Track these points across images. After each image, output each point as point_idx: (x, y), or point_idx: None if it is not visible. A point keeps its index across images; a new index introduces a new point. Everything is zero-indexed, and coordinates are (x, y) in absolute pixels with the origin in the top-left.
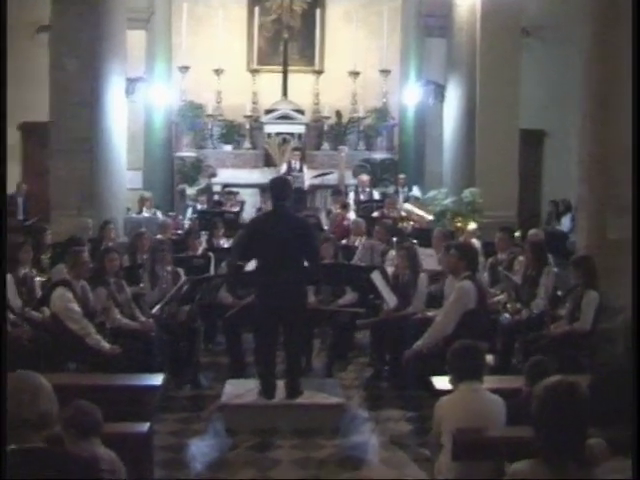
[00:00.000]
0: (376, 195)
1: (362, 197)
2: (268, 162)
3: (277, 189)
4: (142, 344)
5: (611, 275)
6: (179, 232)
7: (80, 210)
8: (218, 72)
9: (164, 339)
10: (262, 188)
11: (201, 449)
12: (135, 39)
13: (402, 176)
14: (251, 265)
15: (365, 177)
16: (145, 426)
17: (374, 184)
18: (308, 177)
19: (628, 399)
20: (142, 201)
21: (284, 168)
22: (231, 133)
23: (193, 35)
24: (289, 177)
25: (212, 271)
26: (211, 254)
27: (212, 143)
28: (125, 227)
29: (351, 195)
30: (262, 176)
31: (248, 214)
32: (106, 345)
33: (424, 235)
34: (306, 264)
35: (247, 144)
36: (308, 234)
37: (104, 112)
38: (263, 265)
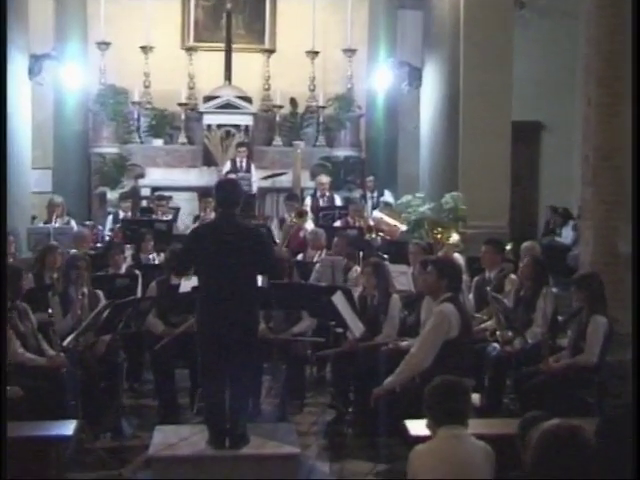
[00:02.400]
0: (338, 201)
1: (322, 203)
2: (208, 160)
3: (225, 194)
4: (50, 384)
5: (621, 297)
6: (98, 245)
7: None
8: (146, 50)
9: (78, 377)
10: (201, 192)
11: None
12: (40, 7)
13: (370, 178)
14: (187, 285)
15: (325, 179)
16: None
17: (336, 187)
18: (256, 179)
19: None
20: (51, 207)
21: (227, 167)
22: (162, 125)
23: (114, 3)
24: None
25: (139, 293)
26: (138, 272)
27: (139, 137)
28: (29, 240)
29: (308, 201)
30: (200, 177)
31: (183, 223)
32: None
33: (396, 249)
34: (259, 284)
35: (182, 138)
36: (263, 248)
37: (0, 96)
38: (205, 285)
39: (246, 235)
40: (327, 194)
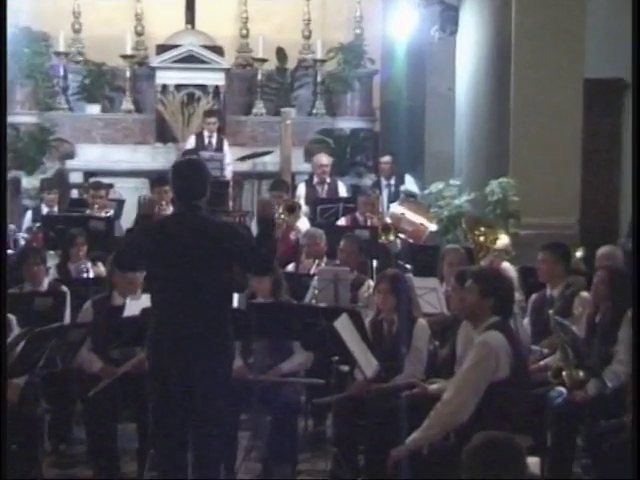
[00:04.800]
0: (343, 190)
1: (321, 193)
2: (163, 135)
3: (185, 180)
4: None
5: None
6: (10, 252)
7: None
8: None
9: None
10: (154, 178)
11: None
12: None
13: (387, 159)
14: (135, 307)
15: (326, 160)
16: None
17: (340, 172)
18: (230, 160)
19: None
20: None
21: (190, 144)
22: (99, 85)
23: None
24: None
25: (67, 318)
26: (65, 289)
27: (66, 101)
28: None
29: (302, 190)
30: (153, 158)
31: (128, 221)
32: None
33: (423, 256)
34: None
35: (127, 104)
36: (242, 245)
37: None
38: (160, 306)
39: (216, 236)
40: (328, 181)
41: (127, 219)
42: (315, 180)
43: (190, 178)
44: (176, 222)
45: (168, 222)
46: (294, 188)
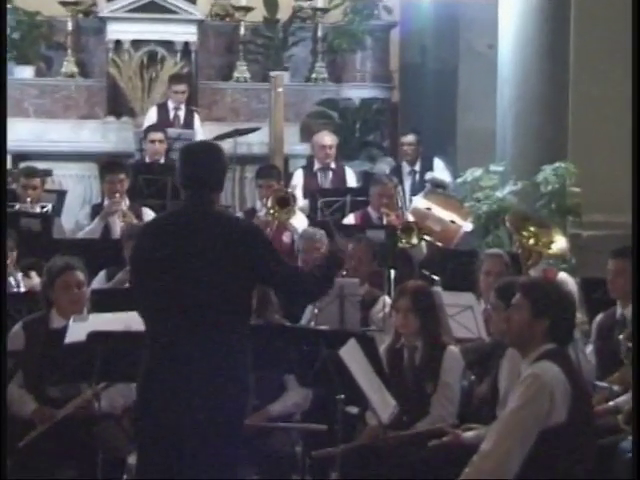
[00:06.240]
0: (352, 179)
1: (322, 182)
2: (116, 106)
3: (201, 166)
4: None
5: None
6: None
7: None
8: None
9: None
10: (104, 162)
11: None
12: None
13: (409, 138)
14: (80, 330)
15: (330, 139)
16: None
17: (347, 155)
18: (204, 139)
19: None
20: None
21: (152, 119)
22: (32, 41)
23: None
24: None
25: None
26: None
27: None
28: None
29: (298, 178)
30: (102, 136)
31: (73, 219)
32: None
33: (456, 265)
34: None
35: (69, 66)
36: (265, 253)
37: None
38: (157, 330)
39: (238, 240)
40: (333, 167)
41: (70, 215)
42: (316, 166)
43: (207, 164)
44: (183, 220)
45: (171, 220)
46: (288, 176)
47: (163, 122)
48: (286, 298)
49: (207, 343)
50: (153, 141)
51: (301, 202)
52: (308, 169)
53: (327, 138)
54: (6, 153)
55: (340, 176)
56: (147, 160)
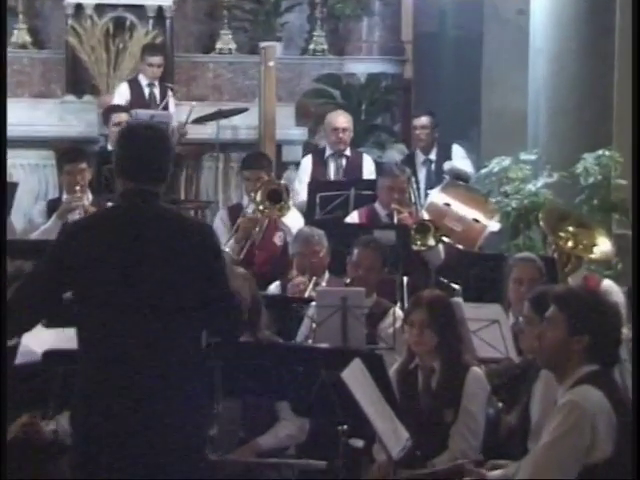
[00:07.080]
0: (370, 168)
1: (337, 172)
2: (77, 83)
3: (139, 152)
4: None
5: None
6: None
7: None
8: None
9: None
10: (63, 150)
11: None
12: None
13: (423, 120)
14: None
15: (344, 120)
16: None
17: (353, 140)
18: (181, 122)
19: None
20: None
21: (124, 96)
22: None
23: None
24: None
25: None
26: None
27: None
28: None
29: (307, 166)
30: (60, 118)
31: (26, 216)
32: None
33: (480, 271)
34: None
35: (20, 35)
36: (210, 259)
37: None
38: (92, 349)
39: (186, 238)
40: (348, 154)
41: (22, 212)
42: (327, 152)
43: (147, 150)
44: (122, 217)
45: (107, 217)
46: (281, 165)
47: (134, 102)
48: (200, 325)
49: (155, 363)
50: (117, 124)
51: (299, 197)
52: (319, 155)
53: (341, 119)
54: (6, 154)
55: (356, 164)
56: (110, 147)
